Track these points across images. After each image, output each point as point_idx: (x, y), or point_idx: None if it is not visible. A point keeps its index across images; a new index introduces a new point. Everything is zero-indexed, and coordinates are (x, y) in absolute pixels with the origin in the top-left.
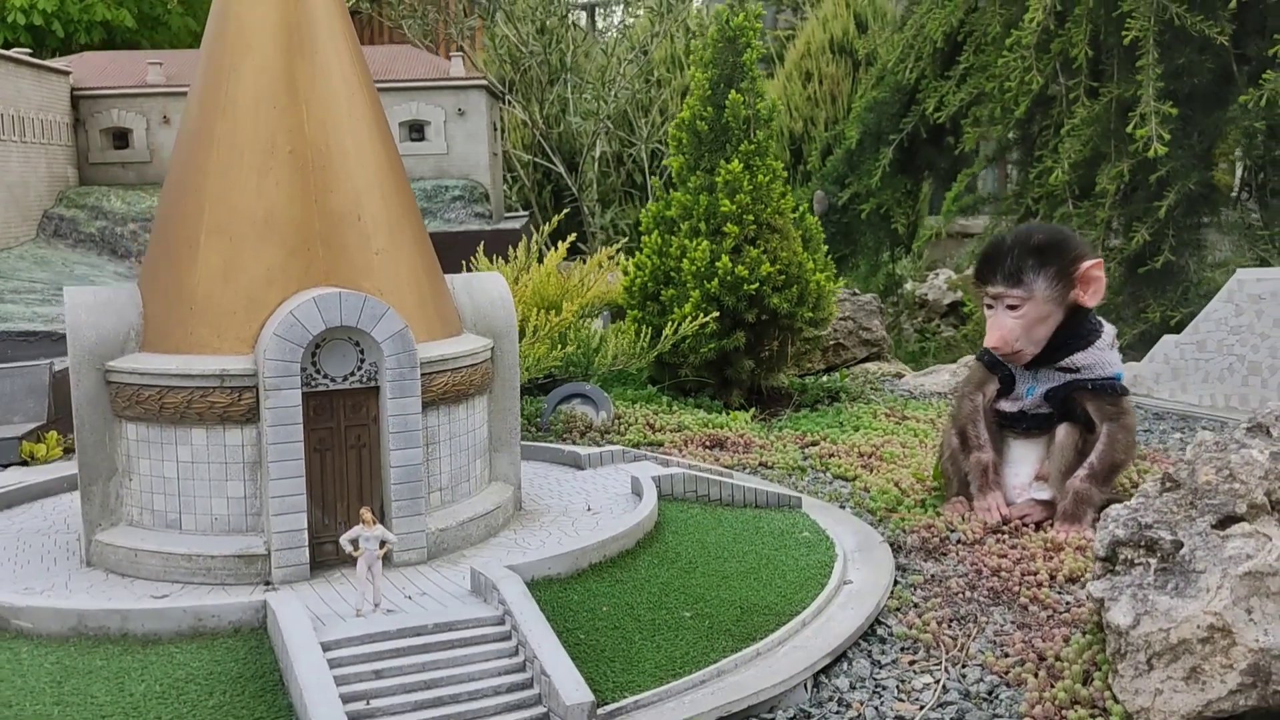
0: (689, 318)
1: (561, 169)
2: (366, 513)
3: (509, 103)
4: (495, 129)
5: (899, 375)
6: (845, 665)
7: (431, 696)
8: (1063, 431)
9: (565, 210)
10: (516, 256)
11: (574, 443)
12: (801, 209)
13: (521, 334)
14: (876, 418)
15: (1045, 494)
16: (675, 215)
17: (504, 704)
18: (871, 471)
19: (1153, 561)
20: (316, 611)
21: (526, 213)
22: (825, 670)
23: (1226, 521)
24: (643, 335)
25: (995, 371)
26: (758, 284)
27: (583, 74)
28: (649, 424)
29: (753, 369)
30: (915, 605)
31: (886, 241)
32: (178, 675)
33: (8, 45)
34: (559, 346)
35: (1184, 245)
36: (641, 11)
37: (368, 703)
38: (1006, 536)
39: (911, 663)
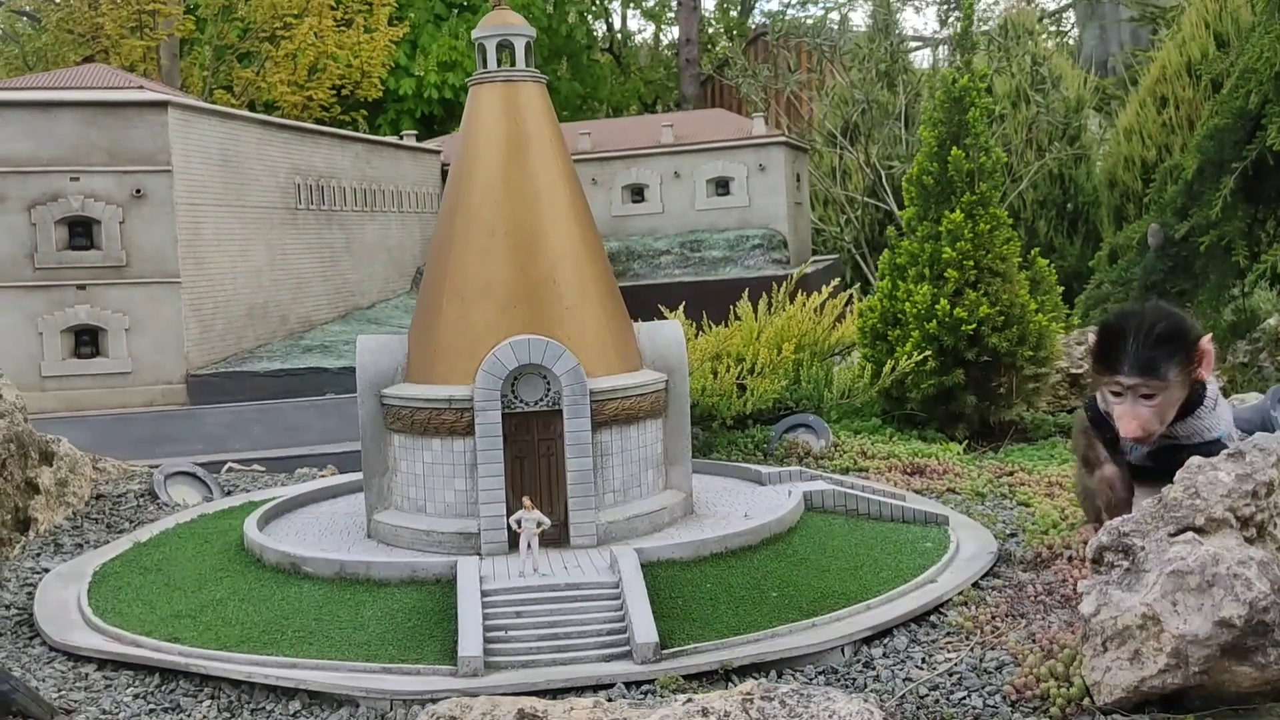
0: (908, 355)
1: (894, 207)
2: (527, 500)
3: (843, 147)
4: (797, 180)
5: None
6: (888, 640)
7: (552, 632)
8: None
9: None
10: (776, 302)
11: (793, 465)
12: (1034, 254)
13: (754, 370)
14: None
15: None
16: (904, 262)
17: (603, 642)
18: (1052, 499)
19: (1126, 564)
20: (497, 573)
21: (834, 256)
22: (867, 641)
23: (1184, 532)
24: (866, 372)
25: (1101, 432)
26: (976, 325)
27: (917, 113)
28: (862, 451)
29: (976, 404)
30: (983, 602)
31: (1232, 275)
32: (394, 606)
33: (396, 130)
34: (794, 382)
35: None
36: (982, 49)
37: (506, 632)
38: None
39: (947, 644)
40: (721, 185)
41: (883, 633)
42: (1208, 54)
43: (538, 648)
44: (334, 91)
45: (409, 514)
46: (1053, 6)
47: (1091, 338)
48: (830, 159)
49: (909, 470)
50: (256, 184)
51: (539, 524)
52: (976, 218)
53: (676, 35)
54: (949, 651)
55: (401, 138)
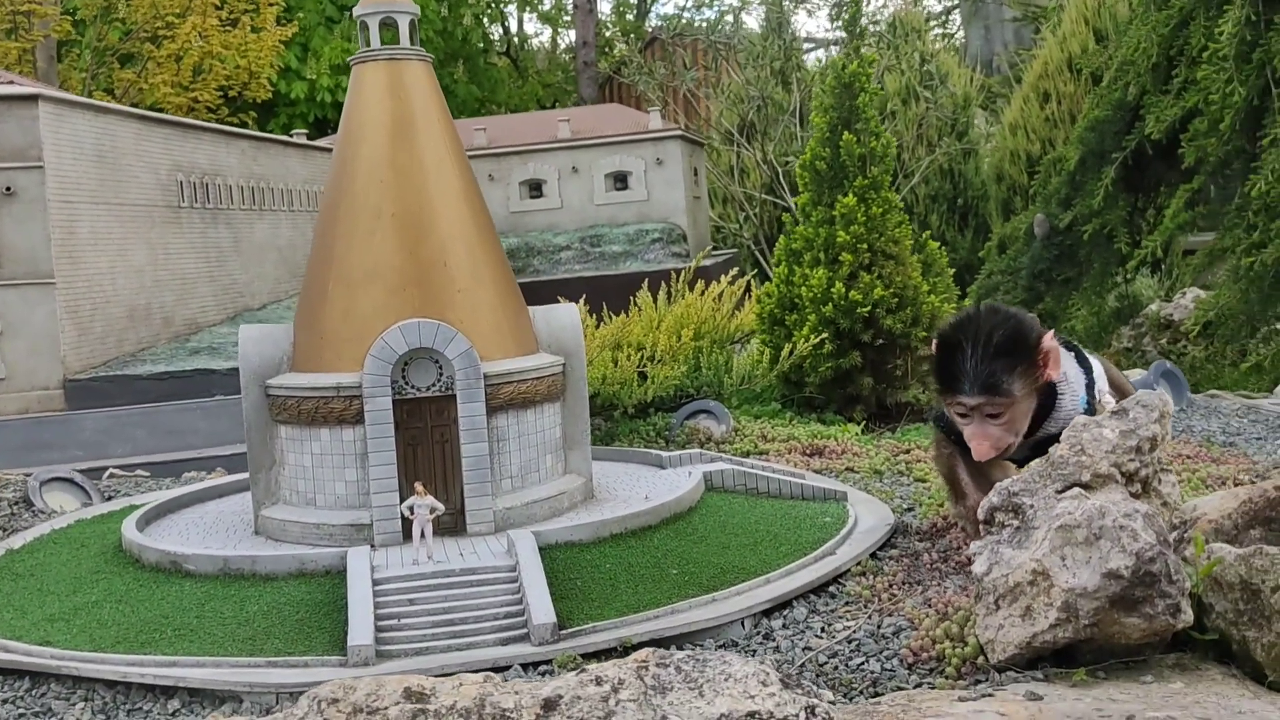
0: (805, 339)
1: (792, 205)
2: (419, 485)
3: (740, 145)
4: (695, 174)
5: None
6: (787, 611)
7: (447, 618)
8: None
9: None
10: (675, 290)
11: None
12: (924, 236)
13: (654, 358)
14: None
15: None
16: (800, 247)
17: (500, 625)
18: None
19: (1016, 523)
20: (390, 562)
21: (733, 251)
22: (767, 613)
23: (1071, 488)
24: (764, 357)
25: (957, 444)
26: (870, 307)
27: (810, 111)
28: (762, 435)
29: (874, 385)
30: (880, 571)
31: (1114, 263)
32: (281, 600)
33: (287, 130)
34: (694, 369)
35: None
36: (873, 46)
37: (399, 620)
38: None
39: (845, 612)
40: (620, 179)
41: (782, 605)
42: (1087, 49)
43: (432, 634)
44: (220, 93)
45: (298, 508)
46: (939, 8)
47: (930, 350)
48: (728, 157)
49: (808, 451)
50: (135, 181)
51: (432, 510)
52: (869, 201)
53: (574, 39)
54: (847, 620)
55: (291, 135)
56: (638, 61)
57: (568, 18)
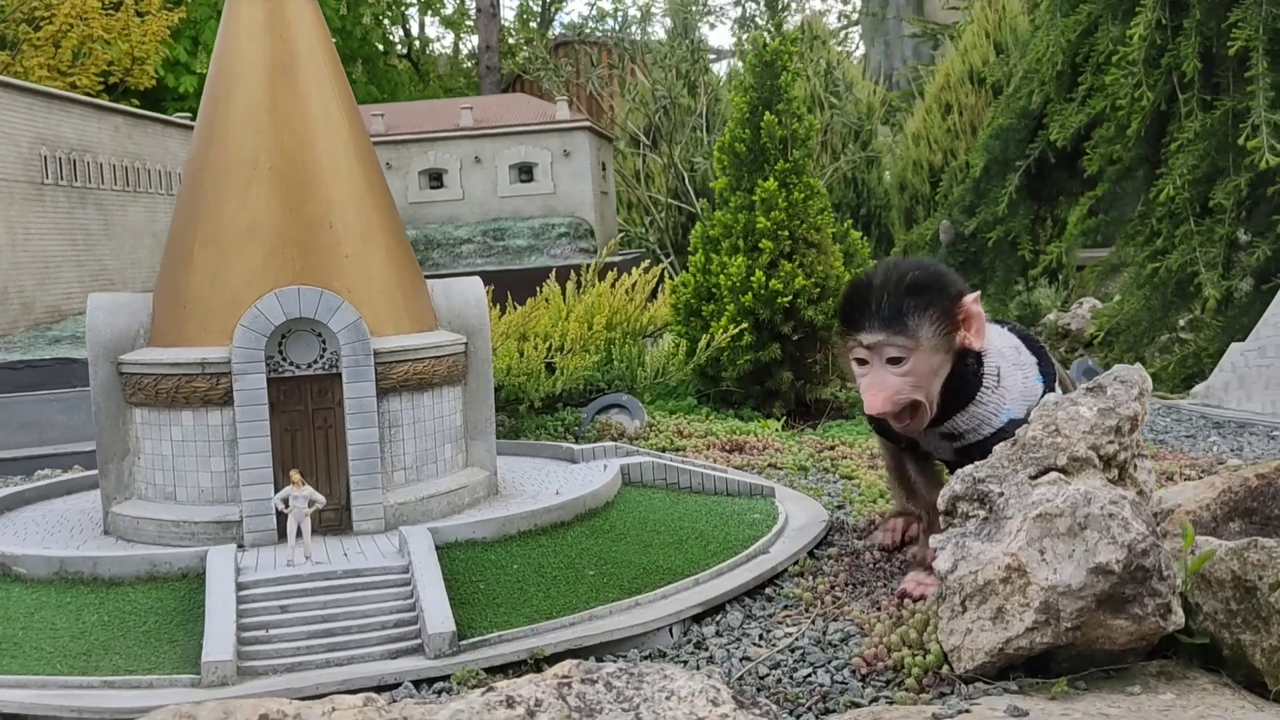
0: (723, 329)
1: (698, 210)
2: (295, 474)
3: (646, 149)
4: (603, 169)
5: None
6: (720, 616)
7: (325, 628)
8: None
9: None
10: (585, 280)
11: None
12: (845, 224)
13: (563, 349)
14: None
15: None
16: (717, 234)
17: (389, 635)
18: (875, 470)
19: (983, 513)
20: (261, 564)
21: (639, 251)
22: (697, 619)
23: (1046, 473)
24: (680, 349)
25: (892, 439)
26: (791, 297)
27: (717, 116)
28: (678, 431)
29: (793, 381)
30: (820, 572)
31: (1016, 270)
32: (125, 608)
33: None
34: (606, 361)
35: None
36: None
37: (267, 631)
38: None
39: (785, 617)
40: (525, 171)
41: (714, 609)
42: (989, 61)
43: (307, 647)
44: (101, 80)
45: (155, 503)
46: (836, 25)
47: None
48: (634, 162)
49: (728, 447)
50: None
51: (311, 503)
52: (790, 186)
53: (476, 44)
54: (788, 626)
55: (172, 116)
56: (543, 58)
57: (470, 22)
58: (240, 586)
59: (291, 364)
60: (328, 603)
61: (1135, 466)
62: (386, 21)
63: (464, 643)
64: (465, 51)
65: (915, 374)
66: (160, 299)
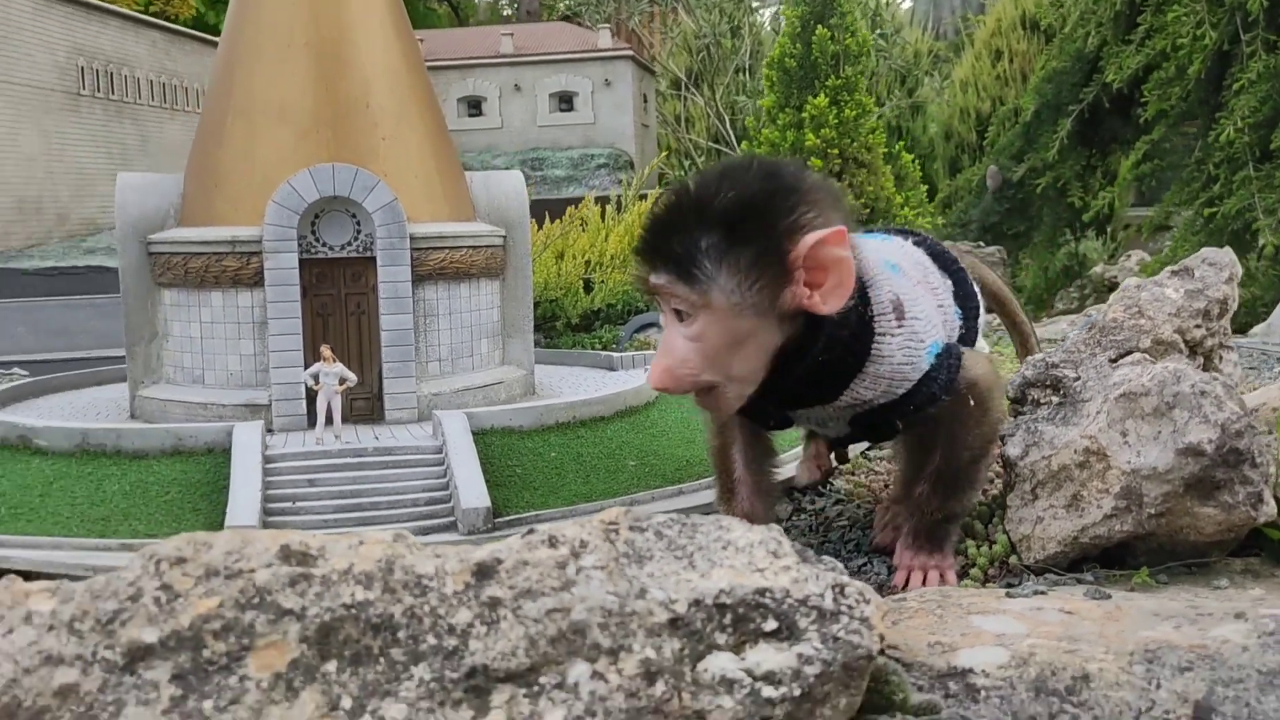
0: None
1: (738, 153)
2: (326, 350)
3: (688, 91)
4: (645, 101)
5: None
6: None
7: (354, 502)
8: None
9: None
10: (625, 202)
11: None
12: (898, 147)
13: (602, 265)
14: None
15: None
16: (764, 152)
17: (420, 512)
18: None
19: (1055, 398)
20: (289, 442)
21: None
22: None
23: (1126, 355)
24: None
25: (744, 414)
26: None
27: (759, 59)
28: None
29: None
30: (873, 471)
31: (1065, 219)
32: (148, 479)
33: None
34: None
35: None
36: None
37: (294, 503)
38: None
39: (836, 512)
40: (565, 100)
41: None
42: (1042, 3)
43: (335, 520)
44: (141, 9)
45: (183, 386)
46: None
47: None
48: (674, 105)
49: None
50: (29, 60)
51: (342, 380)
52: (841, 103)
53: None
54: (839, 521)
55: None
56: None
57: None
58: (267, 460)
59: (324, 245)
60: (357, 479)
61: (1221, 357)
62: None
63: (499, 520)
64: None
65: (705, 342)
66: (191, 177)
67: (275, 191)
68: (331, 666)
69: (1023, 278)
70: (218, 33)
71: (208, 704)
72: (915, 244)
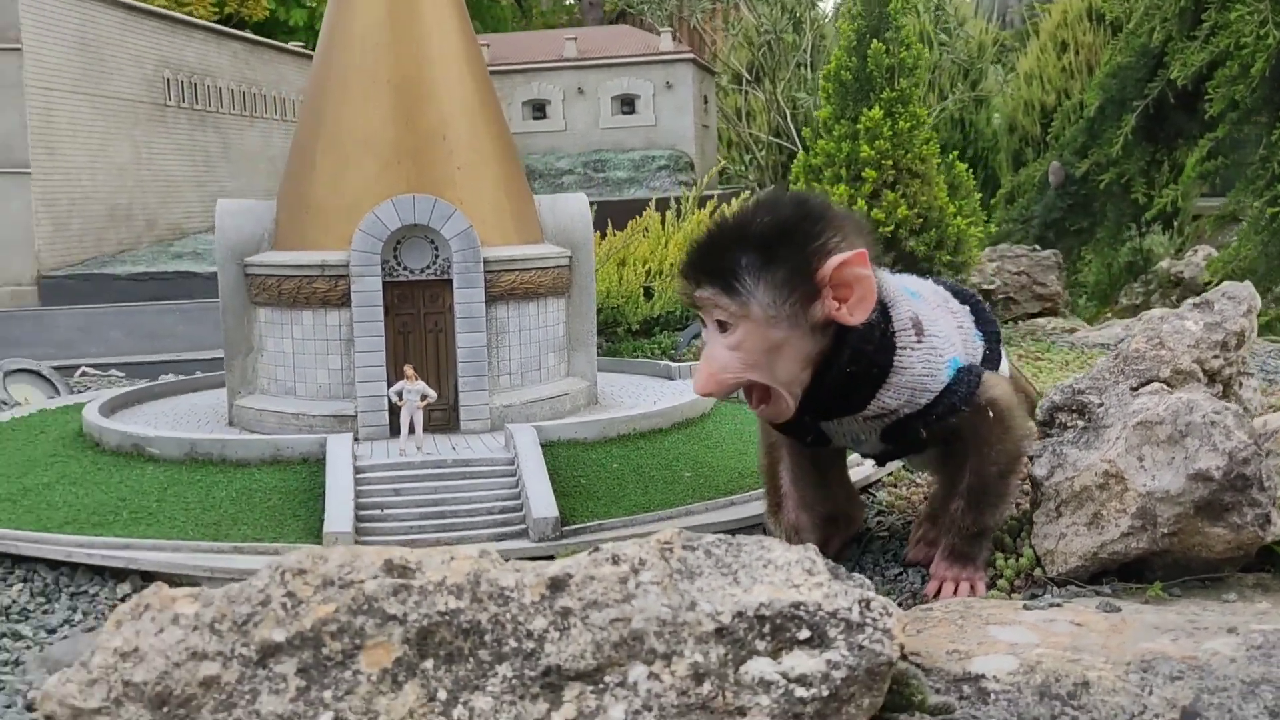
0: None
1: (800, 147)
2: (409, 369)
3: (748, 87)
4: (705, 102)
5: (1071, 330)
6: None
7: (436, 510)
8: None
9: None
10: (685, 209)
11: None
12: (951, 156)
13: (662, 273)
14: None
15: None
16: (819, 163)
17: (495, 520)
18: None
19: (1080, 423)
20: (375, 453)
21: (739, 186)
22: None
23: (1147, 384)
24: None
25: (785, 431)
26: (894, 227)
27: (821, 53)
28: None
29: None
30: (914, 483)
31: (1129, 215)
32: (252, 487)
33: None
34: None
35: None
36: None
37: (382, 510)
38: None
39: (878, 523)
40: (627, 103)
41: None
42: None
43: (420, 526)
44: (216, 9)
45: (276, 397)
46: None
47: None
48: (735, 99)
49: None
50: (120, 74)
51: (423, 397)
52: (896, 115)
53: None
54: (879, 532)
55: (287, 44)
56: None
57: None
58: (358, 470)
59: (406, 269)
60: (438, 488)
61: (1240, 384)
62: None
63: (566, 528)
64: None
65: (744, 349)
66: (284, 204)
67: (361, 219)
68: (429, 664)
69: (1085, 274)
70: (290, 31)
71: (328, 694)
72: (934, 281)
